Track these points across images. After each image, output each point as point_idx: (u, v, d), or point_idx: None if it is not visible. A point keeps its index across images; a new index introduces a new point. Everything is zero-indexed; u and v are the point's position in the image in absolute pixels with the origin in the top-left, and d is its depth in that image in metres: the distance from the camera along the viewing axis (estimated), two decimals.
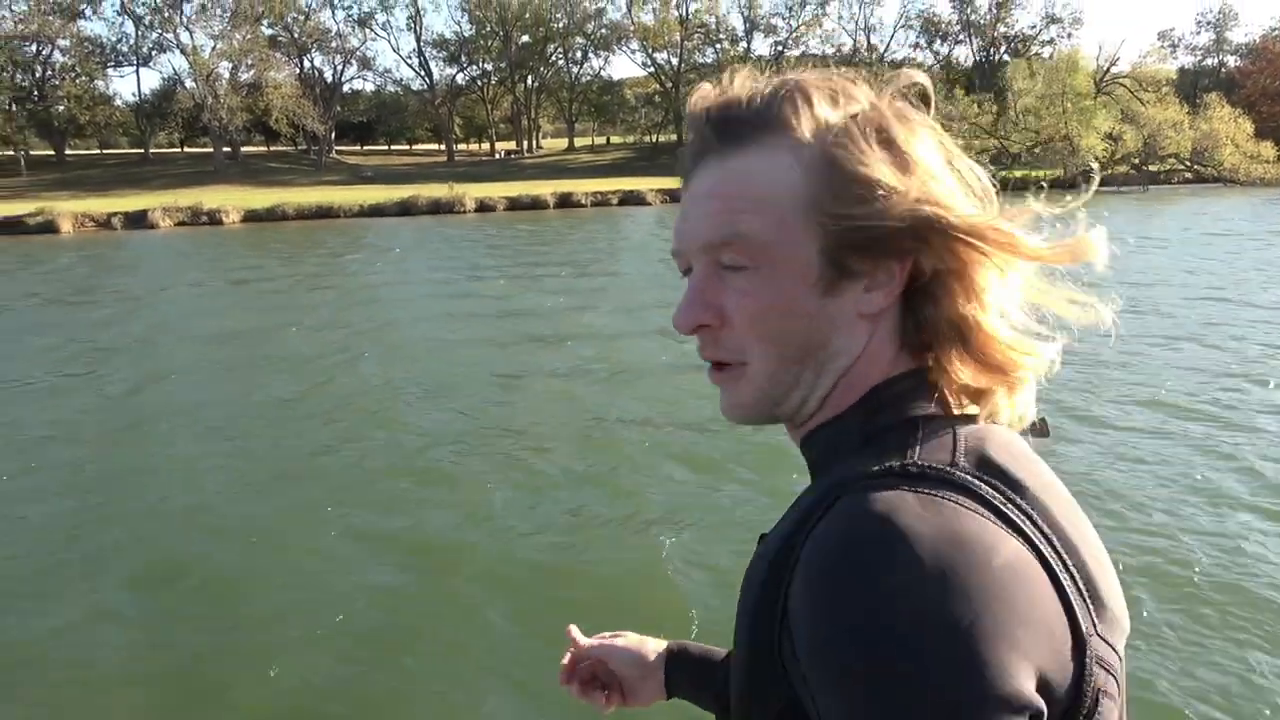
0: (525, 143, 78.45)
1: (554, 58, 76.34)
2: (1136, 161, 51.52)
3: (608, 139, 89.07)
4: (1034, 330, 0.80)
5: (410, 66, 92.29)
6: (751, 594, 0.74)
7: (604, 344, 11.90)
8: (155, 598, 5.30)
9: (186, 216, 37.88)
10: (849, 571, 0.62)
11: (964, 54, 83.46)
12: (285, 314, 15.23)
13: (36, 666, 4.57)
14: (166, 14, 62.23)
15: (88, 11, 62.07)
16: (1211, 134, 51.78)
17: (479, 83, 76.20)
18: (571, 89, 78.27)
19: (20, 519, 6.43)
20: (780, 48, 76.60)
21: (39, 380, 10.71)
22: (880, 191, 0.75)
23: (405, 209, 41.17)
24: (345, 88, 73.24)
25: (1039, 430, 0.85)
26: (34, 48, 58.95)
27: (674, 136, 75.48)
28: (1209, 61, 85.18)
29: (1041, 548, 0.67)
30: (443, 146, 76.27)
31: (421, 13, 76.19)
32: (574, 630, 1.26)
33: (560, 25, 73.63)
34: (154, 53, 65.19)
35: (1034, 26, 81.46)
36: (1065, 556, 0.69)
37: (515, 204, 43.02)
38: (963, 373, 0.79)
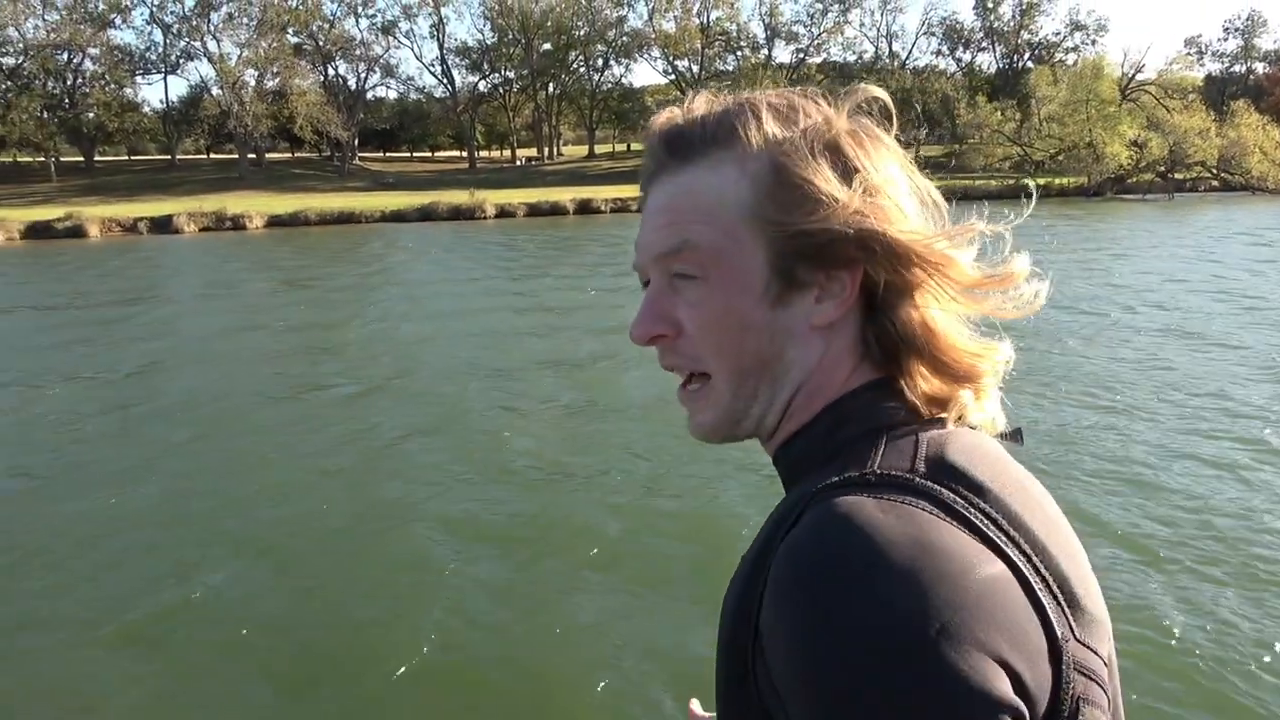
0: (546, 150, 78.74)
1: (575, 65, 76.61)
2: (1162, 169, 51.01)
3: (628, 146, 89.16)
4: (978, 348, 0.81)
5: (433, 74, 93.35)
6: (728, 613, 0.73)
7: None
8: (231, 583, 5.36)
9: (211, 221, 38.30)
10: (812, 583, 0.62)
11: (987, 61, 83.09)
12: (310, 312, 15.37)
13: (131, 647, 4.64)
14: (194, 23, 63.07)
15: (118, 21, 62.93)
16: (1239, 141, 51.18)
17: (501, 90, 76.59)
18: (592, 96, 78.48)
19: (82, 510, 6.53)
20: (801, 55, 76.52)
21: (69, 376, 10.87)
22: (823, 199, 0.75)
23: (426, 215, 41.44)
24: (369, 95, 73.90)
25: (1012, 438, 0.85)
26: (65, 56, 59.83)
27: None
28: (1237, 68, 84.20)
29: (1008, 551, 0.66)
30: (464, 153, 76.68)
31: (444, 21, 76.92)
32: (695, 705, 1.18)
33: (582, 33, 73.89)
34: (182, 61, 66.04)
35: (1058, 33, 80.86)
36: (1035, 559, 0.68)
37: (535, 210, 43.21)
38: (926, 382, 0.80)
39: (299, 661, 4.61)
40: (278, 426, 8.75)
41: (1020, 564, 0.66)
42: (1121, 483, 6.50)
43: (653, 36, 74.34)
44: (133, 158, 74.11)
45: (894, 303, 0.79)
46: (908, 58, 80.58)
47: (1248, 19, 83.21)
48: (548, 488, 6.90)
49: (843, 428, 0.79)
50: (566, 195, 45.89)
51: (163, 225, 37.17)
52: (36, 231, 35.10)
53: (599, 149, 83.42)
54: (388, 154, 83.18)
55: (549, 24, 72.23)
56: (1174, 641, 4.45)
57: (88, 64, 61.60)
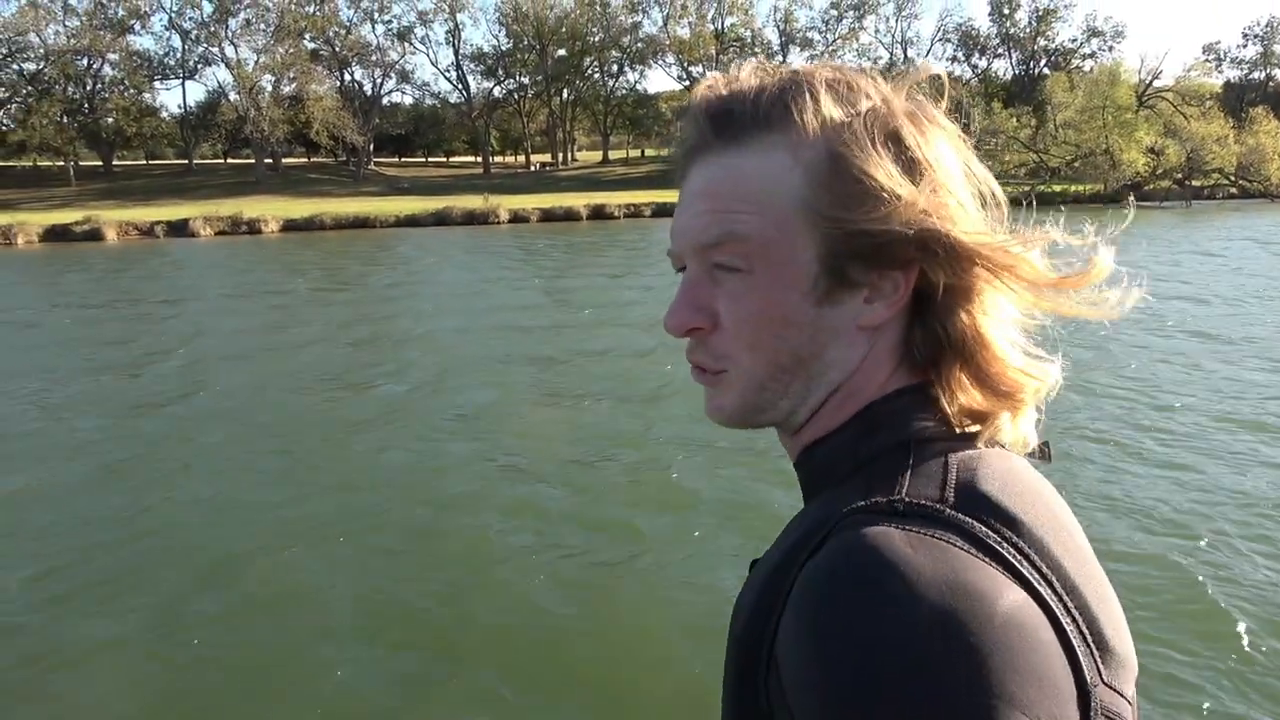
0: (560, 155, 78.97)
1: (590, 71, 76.83)
2: (1180, 176, 50.66)
3: (642, 152, 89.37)
4: (1037, 353, 0.77)
5: (448, 80, 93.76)
6: (740, 623, 0.70)
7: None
8: (216, 596, 5.35)
9: (227, 226, 38.58)
10: (838, 616, 0.59)
11: (1003, 67, 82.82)
12: (337, 313, 15.44)
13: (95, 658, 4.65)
14: (212, 29, 63.68)
15: (137, 27, 63.64)
16: (1258, 148, 50.77)
17: (515, 96, 76.90)
18: (606, 102, 78.69)
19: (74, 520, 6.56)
20: (816, 61, 76.39)
21: (82, 374, 10.94)
22: (884, 196, 0.71)
23: (440, 220, 41.61)
24: (384, 100, 74.31)
25: (1041, 455, 0.81)
26: (85, 61, 60.49)
27: None
28: (1256, 75, 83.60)
29: (1041, 591, 0.63)
30: (479, 159, 77.00)
31: (460, 27, 77.20)
32: None
33: (596, 39, 74.12)
34: (199, 66, 66.65)
35: (1075, 40, 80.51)
36: (1066, 599, 0.64)
37: (549, 215, 43.31)
38: (965, 394, 0.75)
39: (357, 654, 4.63)
40: (322, 424, 8.79)
41: (1053, 605, 0.62)
42: (1141, 490, 6.42)
43: (667, 42, 74.50)
44: (150, 162, 74.75)
45: (949, 305, 0.74)
46: (897, 74, 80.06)
47: (1268, 25, 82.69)
48: (591, 477, 7.01)
49: (871, 436, 0.75)
50: (580, 201, 45.98)
51: (179, 229, 37.48)
52: (55, 235, 35.47)
53: (613, 155, 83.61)
54: (403, 159, 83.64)
55: (564, 30, 72.49)
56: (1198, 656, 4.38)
57: (107, 69, 62.38)
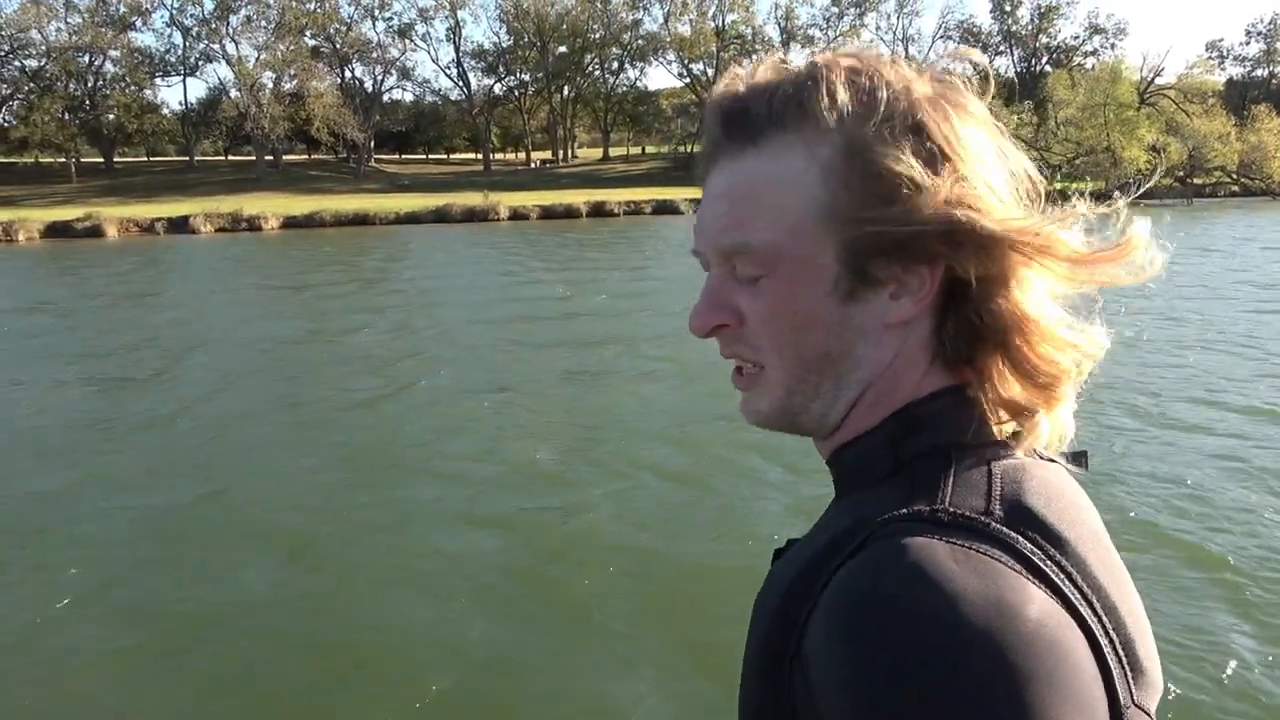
0: (561, 152, 78.91)
1: (590, 68, 76.74)
2: (1181, 174, 50.60)
3: (643, 149, 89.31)
4: (1075, 337, 0.74)
5: (449, 77, 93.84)
6: (764, 619, 0.70)
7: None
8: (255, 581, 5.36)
9: (227, 222, 38.60)
10: (878, 624, 0.58)
11: (1004, 65, 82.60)
12: (328, 313, 15.45)
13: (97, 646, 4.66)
14: (213, 25, 63.62)
15: (138, 23, 63.60)
16: (1260, 146, 50.76)
17: (516, 93, 76.82)
18: (607, 99, 78.60)
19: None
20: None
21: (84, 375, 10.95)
22: (905, 190, 0.69)
23: (440, 217, 41.63)
24: (385, 97, 74.23)
25: (1078, 462, 0.79)
26: (86, 58, 60.48)
27: None
28: (1259, 72, 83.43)
29: (1082, 611, 0.62)
30: (480, 156, 76.96)
31: (461, 24, 77.28)
32: None
33: (597, 36, 74.00)
34: (200, 63, 66.62)
35: (1077, 37, 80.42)
36: (1105, 619, 0.63)
37: (548, 213, 43.31)
38: (1004, 386, 0.74)
39: (328, 661, 4.61)
40: (313, 424, 8.80)
41: (1093, 625, 0.62)
42: (1151, 490, 6.42)
43: (668, 40, 74.36)
44: (152, 159, 74.77)
45: (984, 293, 0.71)
46: (924, 61, 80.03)
47: (1271, 23, 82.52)
48: (580, 483, 6.95)
49: (909, 439, 0.73)
50: (580, 198, 45.96)
51: (179, 226, 37.52)
52: (56, 231, 35.52)
53: (614, 152, 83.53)
54: (403, 156, 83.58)
55: (564, 27, 72.39)
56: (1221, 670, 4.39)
57: (108, 66, 62.37)
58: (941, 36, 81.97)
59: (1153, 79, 61.72)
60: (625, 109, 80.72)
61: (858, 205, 0.70)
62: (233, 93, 63.72)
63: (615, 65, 77.62)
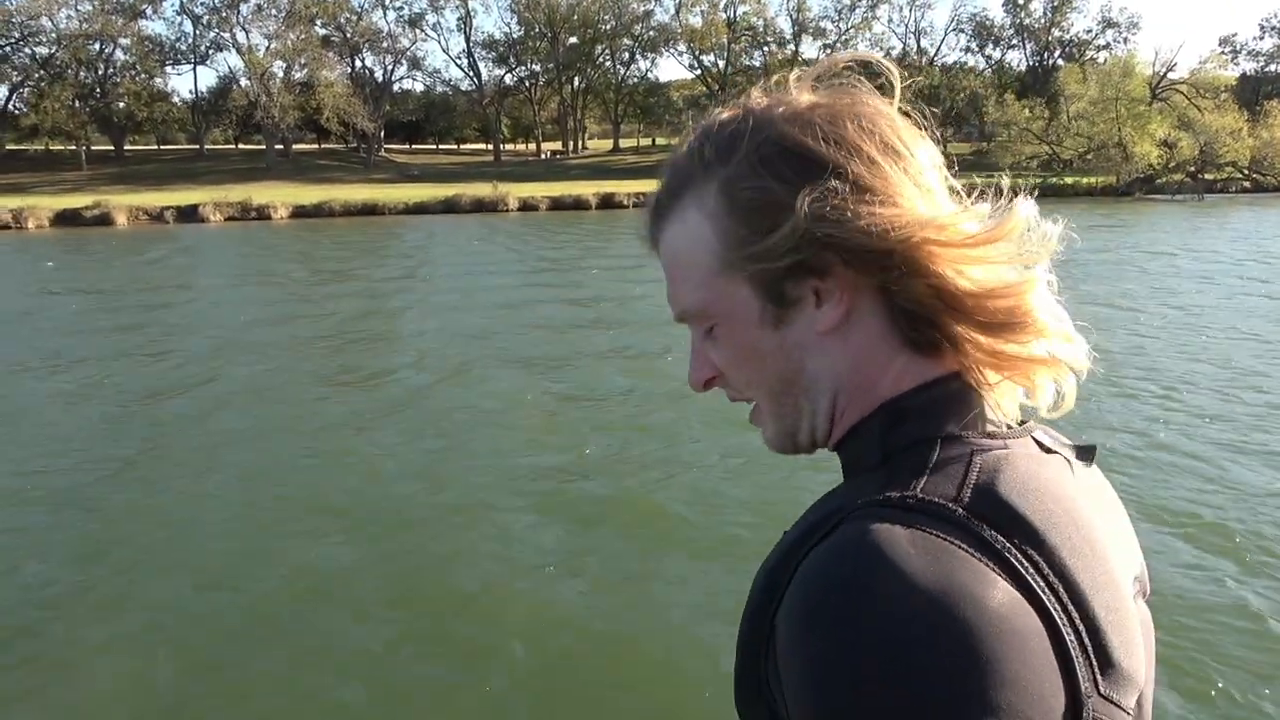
0: (571, 143, 78.83)
1: (601, 59, 76.59)
2: (1192, 169, 50.28)
3: (653, 140, 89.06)
4: (1016, 274, 0.74)
5: (459, 67, 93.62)
6: (753, 599, 0.72)
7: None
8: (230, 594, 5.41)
9: (236, 211, 38.72)
10: (828, 608, 0.60)
11: (1017, 58, 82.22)
12: (349, 301, 15.50)
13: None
14: (224, 14, 63.65)
15: (148, 11, 63.70)
16: (1272, 142, 50.32)
17: (526, 83, 76.74)
18: (618, 90, 78.46)
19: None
20: (829, 51, 75.90)
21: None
22: (779, 214, 0.71)
23: (449, 207, 41.65)
24: (395, 87, 74.25)
25: (1085, 455, 0.80)
26: (97, 46, 60.64)
27: None
28: (1272, 68, 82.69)
29: (1044, 598, 0.62)
30: (490, 146, 76.96)
31: (471, 14, 77.09)
32: None
33: (608, 27, 73.84)
34: (211, 51, 66.81)
35: (1090, 31, 79.88)
36: (1071, 608, 0.63)
37: (558, 204, 43.31)
38: (972, 343, 0.74)
39: (407, 629, 4.73)
40: (336, 413, 8.81)
41: (1054, 613, 0.62)
42: (1163, 480, 6.42)
43: (679, 31, 74.15)
44: (162, 147, 75.00)
45: (906, 279, 0.72)
46: (936, 54, 79.88)
47: None
48: (614, 467, 7.08)
49: (894, 431, 0.75)
50: (589, 189, 45.91)
51: (189, 214, 37.64)
52: (66, 219, 35.66)
53: (624, 143, 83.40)
54: (413, 146, 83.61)
55: (575, 18, 72.24)
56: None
57: (119, 54, 62.53)
58: (954, 29, 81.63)
59: (1165, 73, 61.34)
60: (636, 100, 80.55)
61: (742, 242, 0.74)
62: (243, 81, 63.80)
63: (626, 56, 77.51)
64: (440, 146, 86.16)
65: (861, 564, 0.61)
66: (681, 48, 75.61)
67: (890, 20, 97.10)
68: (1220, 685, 4.11)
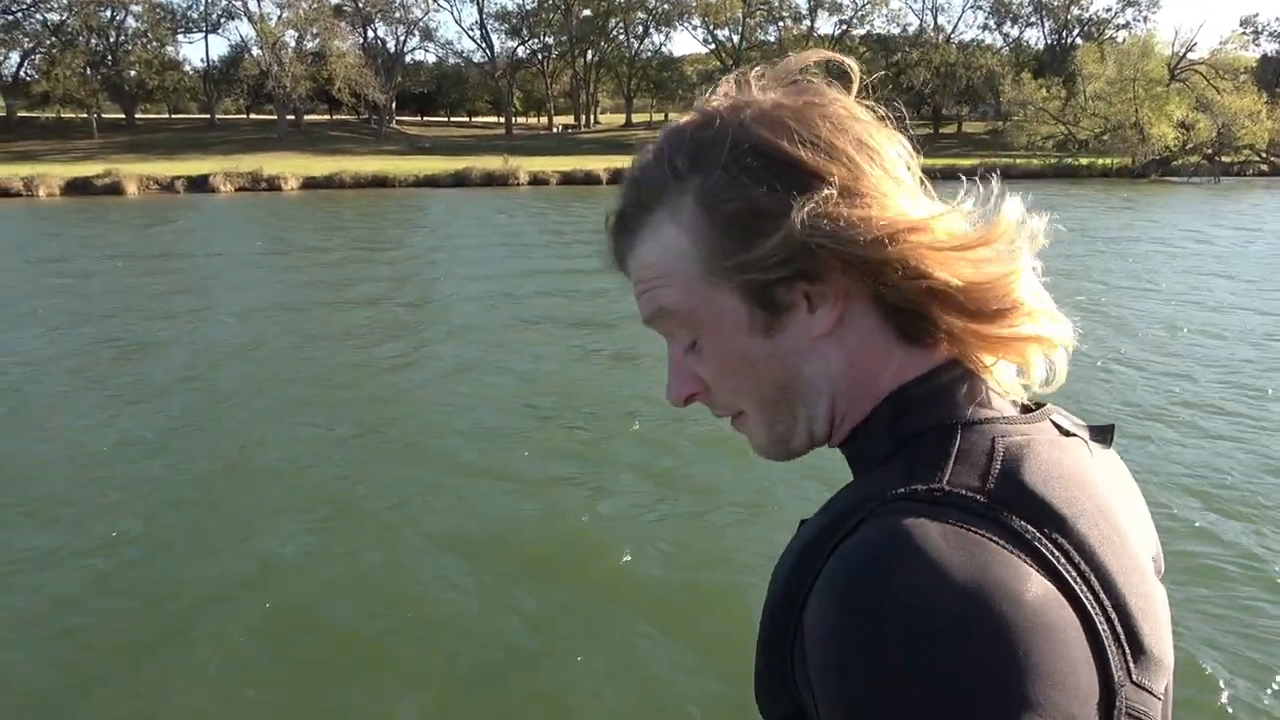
0: (583, 118, 78.38)
1: (615, 32, 75.94)
2: (1210, 152, 49.73)
3: (665, 115, 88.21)
4: (1002, 263, 0.73)
5: (472, 38, 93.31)
6: (774, 591, 0.72)
7: None
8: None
9: (247, 182, 38.66)
10: (861, 605, 0.59)
11: (1035, 36, 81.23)
12: (364, 273, 15.52)
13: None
14: None
15: None
16: None
17: (539, 56, 76.21)
18: (631, 64, 77.86)
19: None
20: (845, 26, 75.28)
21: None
22: (762, 224, 0.71)
23: (459, 180, 41.53)
24: (407, 58, 73.83)
25: (1102, 435, 0.80)
26: (108, 13, 60.42)
27: None
28: None
29: (1076, 588, 0.62)
30: (501, 119, 76.62)
31: None
32: None
33: (622, 0, 73.19)
34: (222, 20, 66.64)
35: (1109, 9, 78.95)
36: (1103, 596, 0.63)
37: (568, 179, 43.14)
38: (964, 330, 0.74)
39: (366, 624, 4.64)
40: (353, 388, 8.79)
41: (1087, 603, 0.62)
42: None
43: (693, 5, 73.37)
44: (173, 116, 74.88)
45: (900, 280, 0.71)
46: (953, 31, 78.98)
47: None
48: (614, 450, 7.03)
49: (902, 420, 0.74)
50: (600, 164, 45.67)
51: (199, 184, 37.61)
52: (76, 188, 35.67)
53: (636, 118, 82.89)
54: (425, 118, 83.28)
55: None
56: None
57: (130, 21, 62.28)
58: (972, 6, 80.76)
59: (1184, 54, 60.51)
60: (649, 75, 79.91)
61: (728, 252, 0.73)
62: (254, 51, 63.55)
63: (640, 30, 76.82)
64: (452, 119, 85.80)
65: (894, 560, 0.60)
66: (696, 22, 74.95)
67: None
68: (1226, 658, 4.13)
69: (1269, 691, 3.98)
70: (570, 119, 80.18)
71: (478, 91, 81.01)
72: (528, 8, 73.93)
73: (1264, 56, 74.63)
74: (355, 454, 6.98)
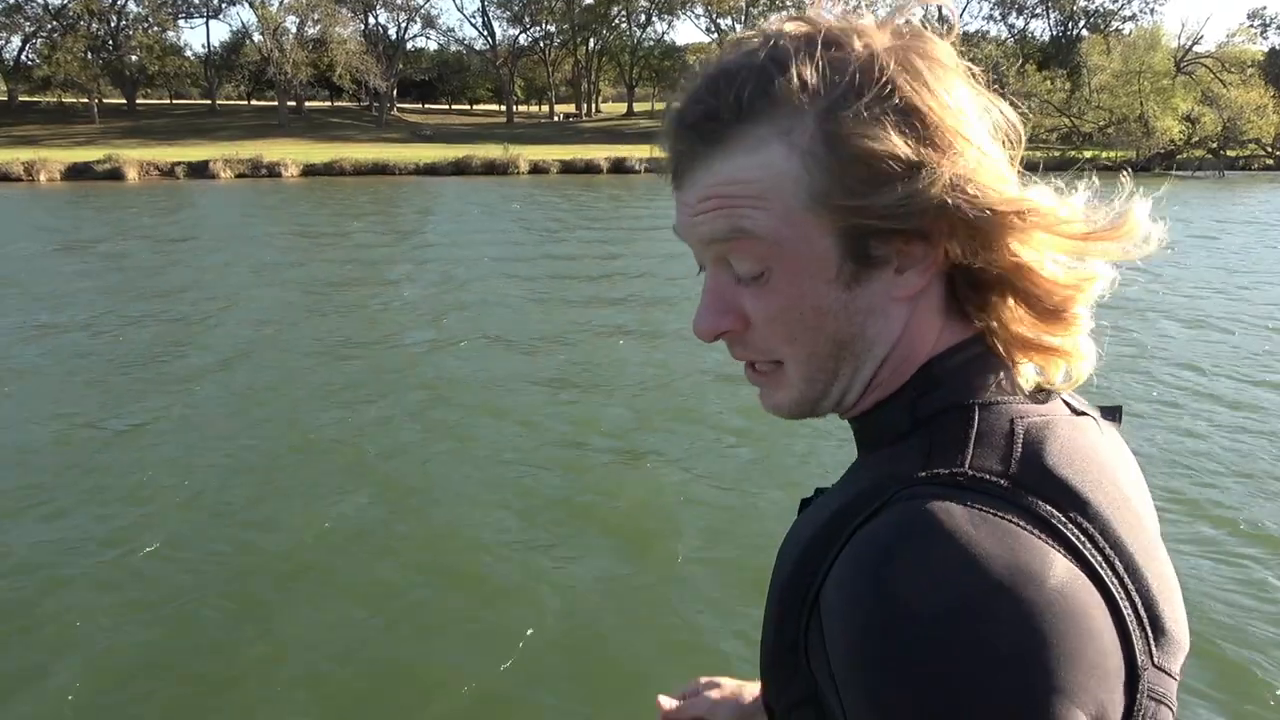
0: (585, 106, 78.17)
1: (617, 20, 75.67)
2: (1215, 146, 49.54)
3: (667, 105, 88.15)
4: (1078, 272, 0.73)
5: (473, 26, 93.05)
6: (785, 571, 0.70)
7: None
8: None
9: (247, 168, 38.63)
10: (892, 589, 0.59)
11: (1040, 28, 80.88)
12: (350, 265, 15.45)
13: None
14: None
15: None
16: None
17: (541, 44, 75.97)
18: (633, 53, 77.62)
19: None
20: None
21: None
22: (895, 170, 0.66)
23: (459, 169, 41.45)
24: (408, 45, 73.70)
25: (1112, 416, 0.80)
26: None
27: None
28: None
29: (1102, 573, 0.62)
30: (503, 107, 76.40)
31: None
32: (662, 700, 1.11)
33: None
34: (224, 5, 66.35)
35: (1116, 1, 78.38)
36: (1126, 580, 0.63)
37: (568, 167, 43.06)
38: (1018, 323, 0.73)
39: (423, 592, 4.71)
40: (362, 380, 8.68)
41: (1112, 587, 0.62)
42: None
43: None
44: (174, 102, 74.72)
45: (984, 250, 0.69)
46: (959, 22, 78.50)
47: None
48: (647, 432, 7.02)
49: (925, 397, 0.72)
50: (601, 153, 45.61)
51: (199, 170, 37.57)
52: (76, 173, 35.66)
53: (638, 107, 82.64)
54: (426, 106, 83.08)
55: None
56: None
57: (131, 5, 62.09)
58: None
59: (1190, 47, 60.23)
60: (651, 63, 79.68)
61: (847, 192, 0.67)
62: (255, 37, 63.39)
63: (642, 18, 76.62)
64: (453, 107, 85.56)
65: (922, 544, 0.60)
66: (698, 10, 74.64)
67: None
68: (1225, 644, 4.11)
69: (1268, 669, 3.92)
70: (572, 107, 79.99)
71: (479, 79, 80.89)
72: None
73: (1272, 50, 74.25)
74: (404, 434, 7.02)
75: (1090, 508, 0.64)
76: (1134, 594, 0.63)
